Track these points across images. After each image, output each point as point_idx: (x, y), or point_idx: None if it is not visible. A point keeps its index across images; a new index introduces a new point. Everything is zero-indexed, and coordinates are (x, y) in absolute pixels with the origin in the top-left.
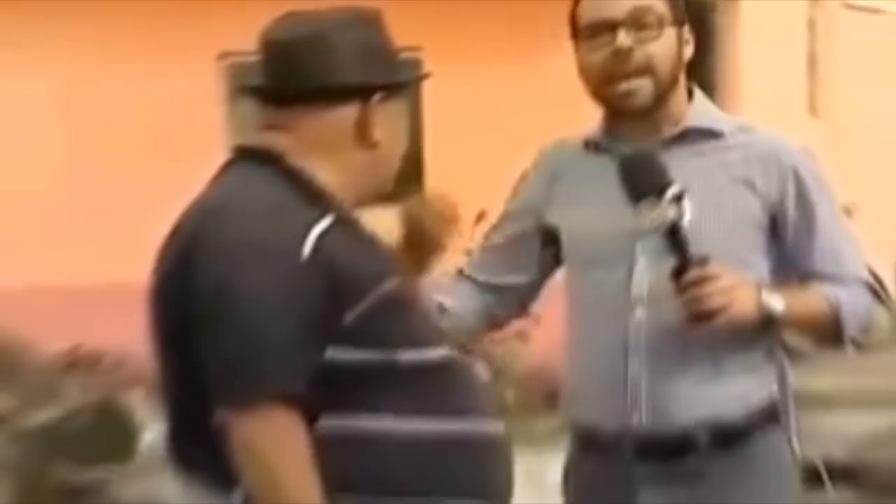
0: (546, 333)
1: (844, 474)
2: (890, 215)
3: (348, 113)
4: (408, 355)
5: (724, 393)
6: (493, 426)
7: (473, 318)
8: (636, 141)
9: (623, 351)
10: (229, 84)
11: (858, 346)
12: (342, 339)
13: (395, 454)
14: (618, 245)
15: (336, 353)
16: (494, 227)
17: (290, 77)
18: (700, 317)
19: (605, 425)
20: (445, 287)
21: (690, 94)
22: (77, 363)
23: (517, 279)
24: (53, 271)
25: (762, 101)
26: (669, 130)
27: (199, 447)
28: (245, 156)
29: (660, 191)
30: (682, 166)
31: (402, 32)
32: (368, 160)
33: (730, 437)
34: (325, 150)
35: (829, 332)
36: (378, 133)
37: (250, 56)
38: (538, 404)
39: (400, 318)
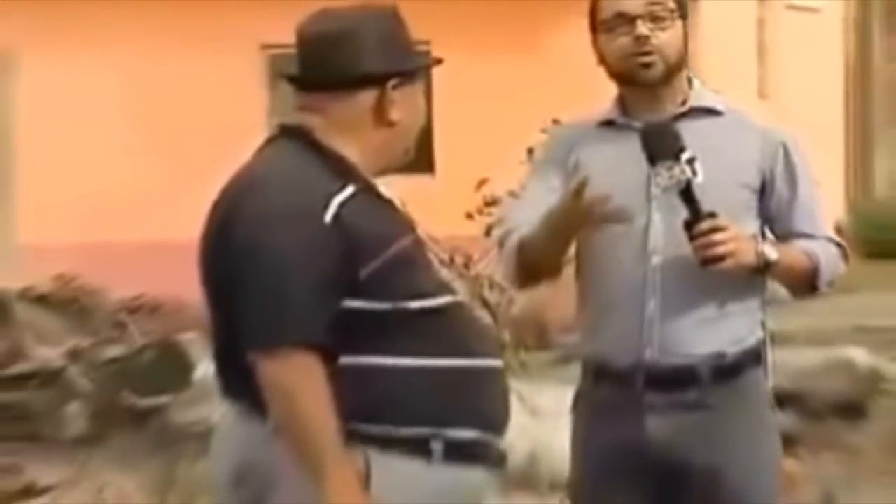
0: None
1: (790, 400)
2: (827, 186)
3: (368, 97)
4: (414, 304)
5: (724, 334)
6: (492, 363)
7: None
8: (646, 117)
9: (641, 294)
10: (270, 72)
11: (818, 292)
12: (358, 292)
13: (404, 389)
14: (635, 204)
15: (353, 304)
16: (525, 206)
17: (318, 66)
18: (711, 260)
19: (620, 359)
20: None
21: (689, 81)
22: (141, 308)
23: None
24: (122, 230)
25: (719, 86)
26: (675, 108)
27: (240, 381)
28: (282, 133)
29: (675, 154)
30: (688, 138)
31: (413, 26)
32: (386, 137)
33: (726, 372)
34: (349, 128)
35: (808, 281)
36: (395, 114)
37: (289, 48)
38: (531, 341)
39: (408, 273)
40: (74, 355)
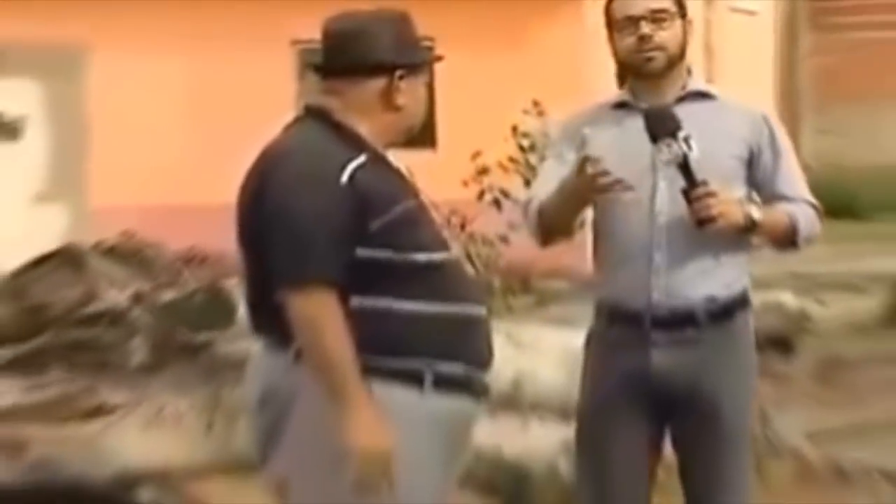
0: (521, 237)
1: None
2: None
3: (378, 84)
4: (416, 256)
5: (717, 280)
6: (478, 310)
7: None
8: (652, 101)
9: (649, 248)
10: (298, 63)
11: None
12: (368, 242)
13: (402, 328)
14: (643, 173)
15: (363, 252)
16: (543, 179)
17: (338, 57)
18: (705, 221)
19: (631, 302)
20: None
21: (689, 70)
22: (192, 259)
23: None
24: (176, 195)
25: None
26: (676, 93)
27: (267, 319)
28: (307, 112)
29: (673, 133)
30: (686, 118)
31: (420, 25)
32: (393, 119)
33: (719, 314)
34: (362, 109)
35: (788, 238)
36: (400, 100)
37: (315, 43)
38: (515, 287)
39: (412, 229)
40: (137, 298)
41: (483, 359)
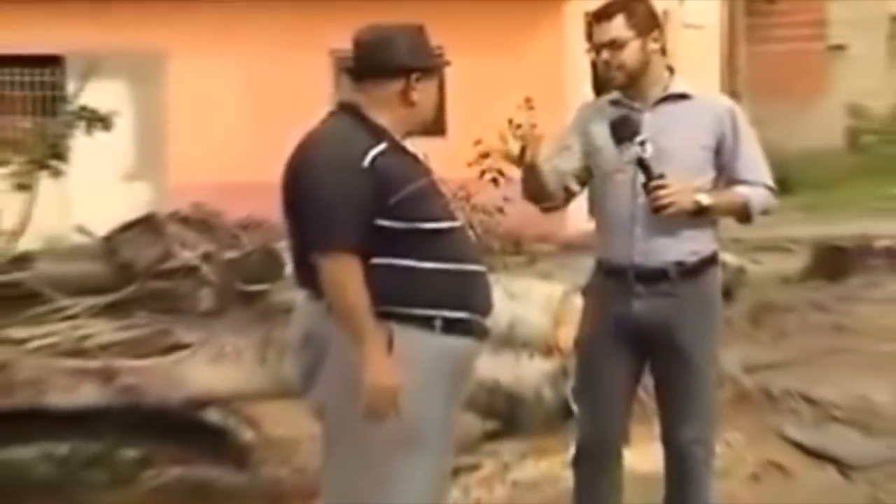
0: (515, 209)
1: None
2: None
3: (397, 85)
4: (426, 224)
5: (684, 247)
6: (478, 267)
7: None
8: (636, 100)
9: (631, 221)
10: (335, 69)
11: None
12: (387, 214)
13: (416, 282)
14: (630, 162)
15: (384, 222)
16: (558, 152)
17: (364, 62)
18: (658, 208)
19: (619, 262)
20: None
21: (672, 71)
22: (248, 225)
23: (575, 179)
24: (236, 174)
25: None
26: (656, 94)
27: (307, 275)
28: (339, 107)
29: (631, 138)
30: (665, 115)
31: (431, 34)
32: (409, 113)
33: (687, 273)
34: (384, 105)
35: (742, 214)
36: (416, 97)
37: (348, 52)
38: (509, 249)
39: (423, 202)
40: (205, 257)
41: (483, 307)
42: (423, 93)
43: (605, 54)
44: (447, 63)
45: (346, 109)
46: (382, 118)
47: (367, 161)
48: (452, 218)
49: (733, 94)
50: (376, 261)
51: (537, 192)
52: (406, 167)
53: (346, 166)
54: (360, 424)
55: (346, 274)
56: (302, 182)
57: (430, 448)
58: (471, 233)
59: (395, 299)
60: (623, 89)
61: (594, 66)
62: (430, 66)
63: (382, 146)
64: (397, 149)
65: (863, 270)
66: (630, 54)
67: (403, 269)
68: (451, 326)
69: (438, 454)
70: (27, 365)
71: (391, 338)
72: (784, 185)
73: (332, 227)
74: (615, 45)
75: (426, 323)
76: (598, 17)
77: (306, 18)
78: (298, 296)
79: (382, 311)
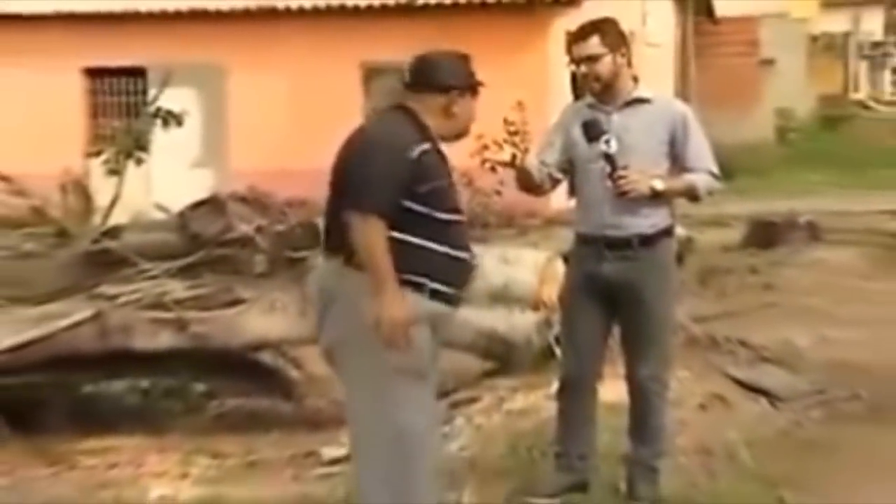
0: (509, 191)
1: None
2: None
3: (441, 99)
4: (440, 214)
5: (646, 221)
6: (467, 255)
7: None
8: (608, 104)
9: (602, 202)
10: (364, 78)
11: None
12: (413, 198)
13: (419, 255)
14: (600, 154)
15: (409, 204)
16: (544, 148)
17: (419, 77)
18: (620, 194)
19: (592, 233)
20: (535, 166)
21: (636, 80)
22: (294, 204)
23: (558, 169)
24: (284, 162)
25: None
26: (623, 99)
27: (330, 240)
28: (397, 106)
29: (598, 137)
30: (631, 115)
31: (430, 48)
32: (449, 124)
33: (647, 242)
34: (430, 114)
35: (690, 196)
36: (455, 111)
37: (376, 64)
38: (504, 224)
39: (443, 197)
40: (259, 229)
41: (462, 284)
42: (462, 107)
43: (583, 67)
44: (481, 83)
45: (403, 109)
46: (430, 122)
47: (415, 153)
48: (460, 213)
49: (685, 99)
50: (394, 234)
51: (528, 185)
52: (440, 166)
53: (397, 151)
54: (370, 360)
55: (374, 231)
56: (358, 154)
57: (425, 377)
58: (468, 212)
59: (400, 267)
60: (598, 96)
61: (573, 76)
62: (468, 85)
63: (427, 145)
64: (437, 149)
65: (788, 241)
66: (603, 67)
67: (413, 245)
68: (434, 294)
69: (431, 382)
70: (117, 316)
71: None
72: (725, 172)
73: (373, 194)
74: (591, 59)
75: (420, 288)
76: (576, 37)
77: (339, 36)
78: (319, 258)
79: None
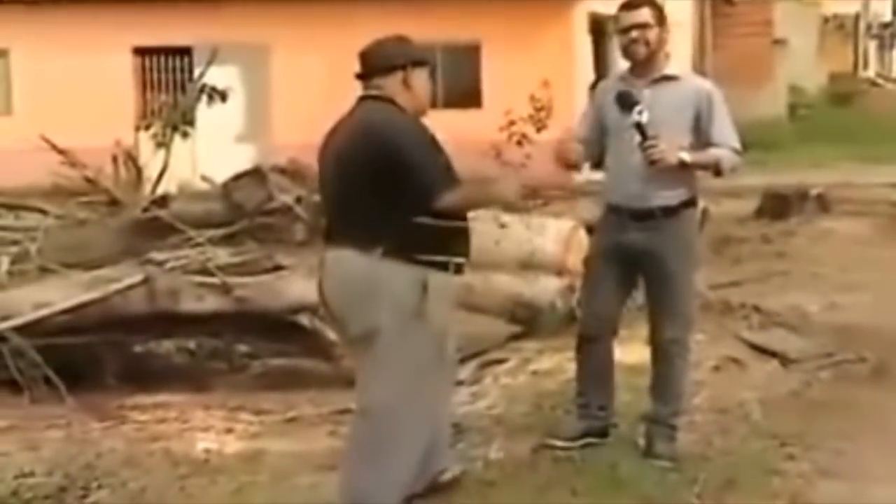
0: (535, 163)
1: None
2: None
3: (398, 75)
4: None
5: (669, 193)
6: (467, 223)
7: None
8: (640, 78)
9: (628, 173)
10: None
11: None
12: None
13: (441, 236)
14: (629, 126)
15: None
16: (581, 124)
17: (371, 66)
18: (652, 162)
19: (620, 203)
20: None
21: (668, 57)
22: None
23: (598, 142)
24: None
25: None
26: (654, 75)
27: (363, 231)
28: (367, 97)
29: (632, 107)
30: (660, 91)
31: (472, 31)
32: (411, 97)
33: (670, 212)
34: (395, 93)
35: (715, 170)
36: (413, 83)
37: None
38: (530, 195)
39: (450, 171)
40: (298, 199)
41: (469, 253)
42: (417, 80)
43: (634, 33)
44: (427, 60)
45: (376, 98)
46: (401, 103)
47: (429, 133)
48: (458, 182)
49: (702, 76)
50: (414, 219)
51: (567, 162)
52: (437, 143)
53: (421, 134)
54: (411, 347)
55: (458, 197)
56: (382, 150)
57: (447, 354)
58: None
59: (428, 249)
60: (636, 67)
61: (596, 53)
62: (415, 59)
63: (421, 123)
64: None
65: (800, 211)
66: (652, 36)
67: (432, 227)
68: (458, 268)
69: (451, 360)
70: (165, 280)
71: (426, 282)
72: (741, 146)
73: (436, 179)
74: (644, 27)
75: (445, 267)
76: (628, 6)
77: (373, 19)
78: (329, 253)
79: (418, 259)
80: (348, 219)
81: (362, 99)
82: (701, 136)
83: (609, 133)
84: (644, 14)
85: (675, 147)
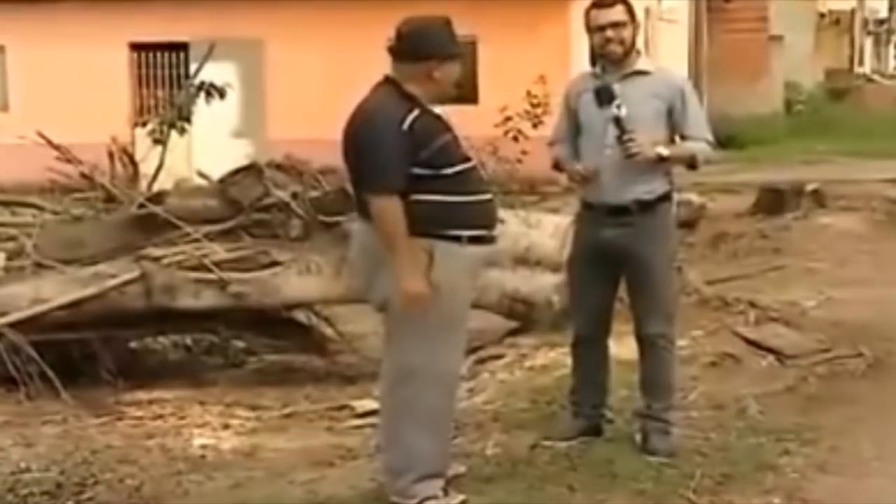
0: (531, 159)
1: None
2: None
3: (425, 65)
4: (448, 170)
5: (643, 188)
6: (487, 196)
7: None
8: (612, 75)
9: (605, 167)
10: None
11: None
12: (420, 164)
13: (446, 211)
14: (601, 122)
15: (418, 171)
16: (560, 123)
17: (402, 47)
18: (629, 156)
19: (593, 199)
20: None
21: (640, 53)
22: (327, 172)
23: (572, 141)
24: (318, 132)
25: None
26: (626, 70)
27: (361, 205)
28: (384, 80)
29: (610, 101)
30: (632, 86)
31: (467, 26)
32: (433, 87)
33: (644, 207)
34: (415, 81)
35: (690, 163)
36: (437, 76)
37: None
38: (526, 191)
39: (446, 153)
40: (295, 196)
41: (492, 224)
42: (444, 73)
43: (609, 32)
44: (461, 52)
45: (389, 82)
46: (415, 90)
47: (406, 124)
48: (467, 160)
49: (699, 73)
50: (416, 197)
51: (561, 168)
52: (433, 127)
53: (390, 127)
54: (421, 315)
55: (387, 209)
56: (358, 140)
57: (462, 323)
58: (485, 174)
59: (433, 223)
60: (610, 64)
61: (592, 49)
62: (449, 53)
63: (416, 112)
64: (426, 112)
65: (795, 207)
66: (627, 34)
67: (435, 202)
68: (473, 240)
69: (465, 327)
70: (162, 276)
71: (431, 251)
72: (736, 141)
73: (378, 174)
74: (617, 25)
75: (457, 239)
76: (603, 4)
77: (368, 13)
78: (355, 225)
79: (424, 232)
80: (357, 194)
81: (381, 81)
82: (674, 130)
83: (582, 130)
84: (618, 11)
85: (651, 141)
